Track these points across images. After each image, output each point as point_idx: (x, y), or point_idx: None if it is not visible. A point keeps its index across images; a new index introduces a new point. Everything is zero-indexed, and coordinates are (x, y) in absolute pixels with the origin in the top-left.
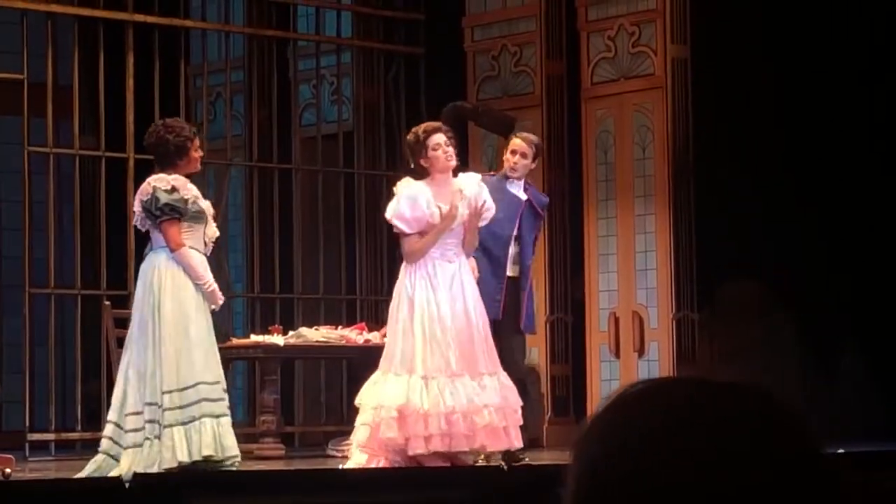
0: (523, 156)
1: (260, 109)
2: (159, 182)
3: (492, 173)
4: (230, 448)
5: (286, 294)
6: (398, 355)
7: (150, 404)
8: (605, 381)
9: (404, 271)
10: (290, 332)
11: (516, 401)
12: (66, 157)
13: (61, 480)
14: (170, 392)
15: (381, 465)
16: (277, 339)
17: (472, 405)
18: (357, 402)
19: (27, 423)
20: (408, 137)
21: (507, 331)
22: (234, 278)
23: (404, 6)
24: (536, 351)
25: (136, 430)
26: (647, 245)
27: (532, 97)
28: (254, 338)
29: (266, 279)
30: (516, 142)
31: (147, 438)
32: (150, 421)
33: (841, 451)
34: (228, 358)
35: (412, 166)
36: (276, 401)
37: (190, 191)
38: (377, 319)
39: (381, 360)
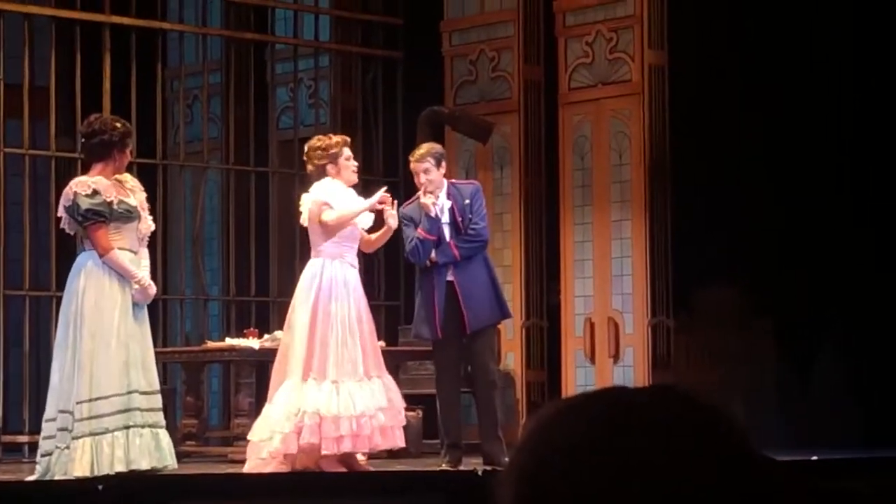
0: (425, 172)
1: (237, 112)
2: (80, 187)
3: (416, 197)
4: (134, 461)
5: (262, 297)
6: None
7: (63, 412)
8: (580, 386)
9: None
10: (266, 336)
11: (400, 402)
12: (42, 159)
13: (34, 483)
14: (80, 402)
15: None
16: (252, 343)
17: (370, 408)
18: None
19: (1, 425)
20: (318, 144)
21: (467, 338)
22: (210, 281)
23: (383, 10)
24: (512, 356)
25: (49, 438)
26: (622, 251)
27: (509, 102)
28: (229, 341)
29: (242, 282)
30: (412, 166)
31: (57, 447)
32: (62, 429)
33: (814, 458)
34: (203, 361)
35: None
36: (250, 404)
37: (114, 191)
38: None
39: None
